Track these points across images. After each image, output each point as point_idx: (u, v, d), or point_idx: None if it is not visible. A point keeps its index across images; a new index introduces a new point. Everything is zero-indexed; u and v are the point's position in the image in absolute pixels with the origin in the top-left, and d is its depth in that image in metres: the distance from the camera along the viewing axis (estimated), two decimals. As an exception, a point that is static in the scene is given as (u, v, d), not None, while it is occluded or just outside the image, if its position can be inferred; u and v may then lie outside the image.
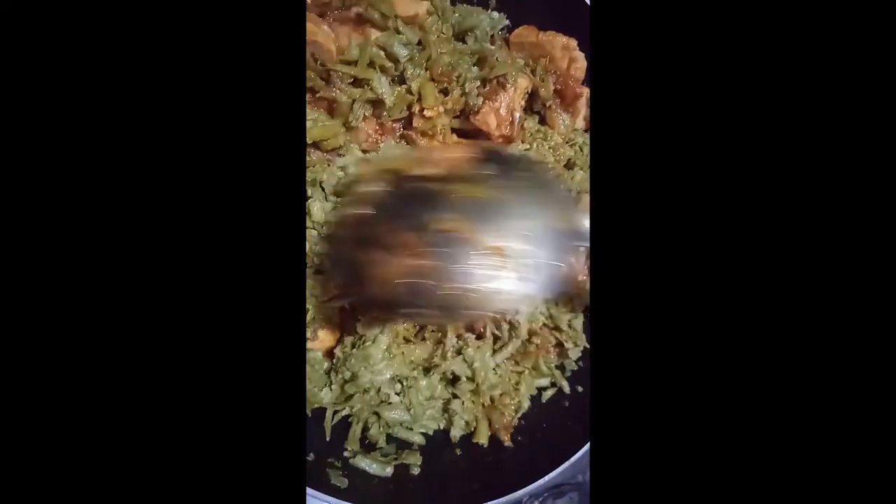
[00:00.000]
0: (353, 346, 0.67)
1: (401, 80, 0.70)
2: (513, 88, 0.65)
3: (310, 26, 0.61)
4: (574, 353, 0.76)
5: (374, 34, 0.67)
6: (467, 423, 0.72)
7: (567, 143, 0.77)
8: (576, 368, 0.77)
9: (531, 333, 0.74)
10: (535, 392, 0.75)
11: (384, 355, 0.66)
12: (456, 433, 0.71)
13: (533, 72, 0.75)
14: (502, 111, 0.64)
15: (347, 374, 0.66)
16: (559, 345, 0.75)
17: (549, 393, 0.74)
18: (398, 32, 0.67)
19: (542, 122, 0.78)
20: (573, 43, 0.76)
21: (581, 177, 0.75)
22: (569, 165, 0.76)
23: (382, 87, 0.61)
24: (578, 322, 0.75)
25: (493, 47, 0.75)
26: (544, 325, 0.75)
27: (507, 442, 0.71)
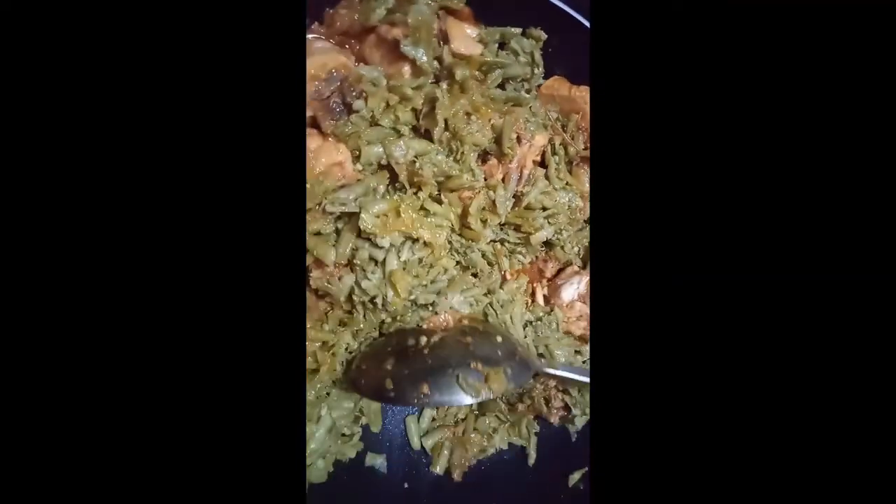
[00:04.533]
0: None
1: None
2: (528, 144, 0.64)
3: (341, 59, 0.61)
4: (580, 422, 0.74)
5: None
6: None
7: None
8: (575, 439, 0.75)
9: (522, 393, 0.73)
10: (506, 447, 0.74)
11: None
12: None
13: (564, 127, 0.74)
14: (512, 165, 0.63)
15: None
16: (566, 408, 0.74)
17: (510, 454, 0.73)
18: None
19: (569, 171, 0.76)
20: (609, 98, 0.74)
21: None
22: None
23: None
24: (587, 393, 0.72)
25: (528, 96, 0.74)
26: (555, 386, 0.73)
27: (458, 478, 0.71)
